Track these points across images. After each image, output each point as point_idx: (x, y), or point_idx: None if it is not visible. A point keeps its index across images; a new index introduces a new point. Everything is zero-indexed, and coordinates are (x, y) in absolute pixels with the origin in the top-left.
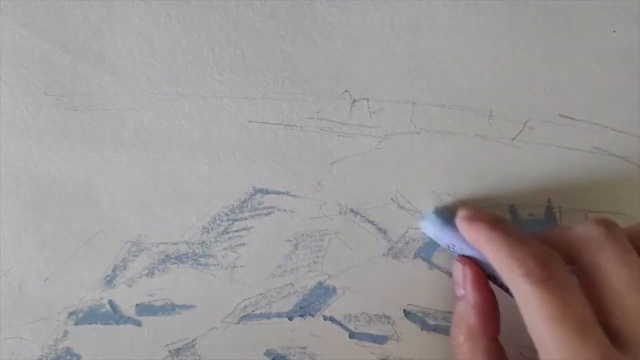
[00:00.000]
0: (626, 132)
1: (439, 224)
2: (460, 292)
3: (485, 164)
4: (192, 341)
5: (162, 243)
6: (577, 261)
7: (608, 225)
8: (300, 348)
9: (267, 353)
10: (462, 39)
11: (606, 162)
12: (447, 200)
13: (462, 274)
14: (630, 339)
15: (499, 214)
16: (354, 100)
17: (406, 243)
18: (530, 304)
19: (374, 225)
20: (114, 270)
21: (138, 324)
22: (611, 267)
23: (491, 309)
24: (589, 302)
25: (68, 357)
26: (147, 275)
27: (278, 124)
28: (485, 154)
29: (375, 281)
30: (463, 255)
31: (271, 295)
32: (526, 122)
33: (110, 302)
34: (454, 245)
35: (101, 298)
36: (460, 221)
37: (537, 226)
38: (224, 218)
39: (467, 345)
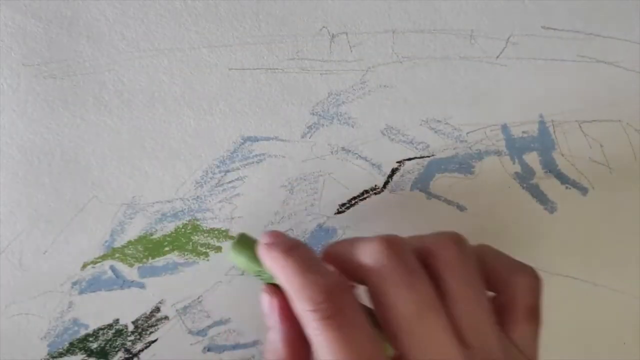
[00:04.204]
0: (611, 37)
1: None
2: (269, 322)
3: (472, 86)
4: (198, 297)
5: (157, 202)
6: (367, 284)
7: (392, 244)
8: None
9: None
10: None
11: (594, 70)
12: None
13: (269, 305)
14: None
15: (296, 239)
16: (333, 36)
17: (402, 176)
18: (318, 340)
19: (367, 161)
20: (111, 235)
21: (142, 286)
22: (395, 290)
23: (300, 339)
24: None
25: (76, 328)
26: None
27: (259, 69)
28: (470, 75)
29: (374, 217)
30: (271, 284)
31: None
32: (508, 38)
33: (112, 268)
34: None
35: (102, 264)
36: (260, 248)
37: (532, 143)
38: (216, 170)
39: None
